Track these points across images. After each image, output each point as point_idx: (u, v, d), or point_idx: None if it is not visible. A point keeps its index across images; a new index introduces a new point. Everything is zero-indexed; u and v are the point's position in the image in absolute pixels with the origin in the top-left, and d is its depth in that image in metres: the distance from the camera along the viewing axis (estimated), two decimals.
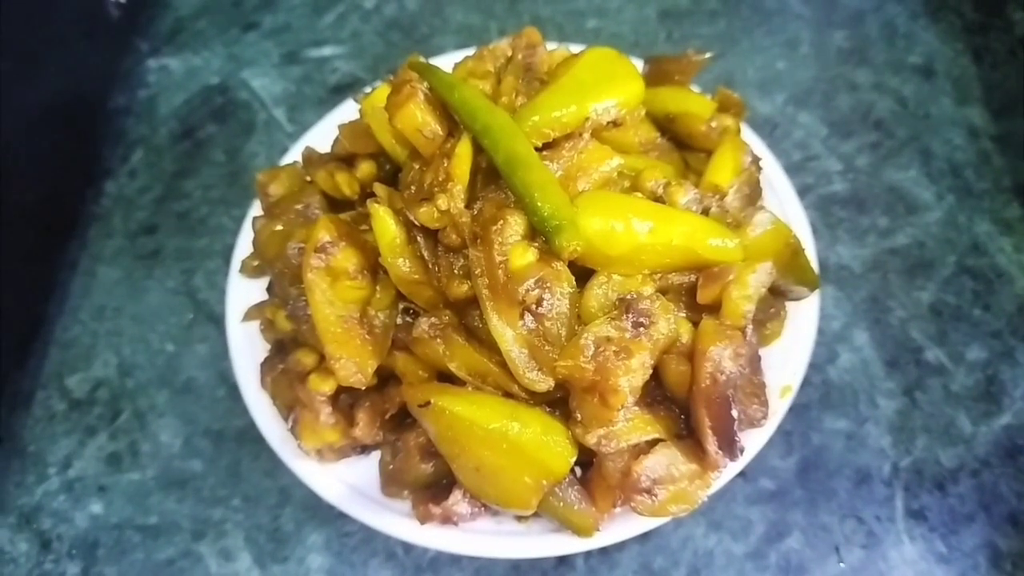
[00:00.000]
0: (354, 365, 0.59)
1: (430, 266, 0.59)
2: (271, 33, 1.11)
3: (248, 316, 0.71)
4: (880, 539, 0.69)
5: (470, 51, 0.75)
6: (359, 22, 1.11)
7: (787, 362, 0.67)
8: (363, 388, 0.60)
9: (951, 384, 0.77)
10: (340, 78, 1.05)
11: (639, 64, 0.78)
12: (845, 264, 0.84)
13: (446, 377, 0.60)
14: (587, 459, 0.59)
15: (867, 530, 0.69)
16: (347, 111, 0.83)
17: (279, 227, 0.69)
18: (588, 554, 0.69)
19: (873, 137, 0.94)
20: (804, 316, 0.69)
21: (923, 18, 1.05)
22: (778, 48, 1.04)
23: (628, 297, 0.56)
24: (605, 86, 0.62)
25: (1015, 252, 0.84)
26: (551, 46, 0.72)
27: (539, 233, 0.55)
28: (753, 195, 0.68)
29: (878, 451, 0.73)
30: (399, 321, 0.63)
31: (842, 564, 0.68)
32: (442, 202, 0.57)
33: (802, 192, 0.85)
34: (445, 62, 0.73)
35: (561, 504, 0.57)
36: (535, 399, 0.57)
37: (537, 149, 0.59)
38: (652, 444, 0.57)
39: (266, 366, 0.67)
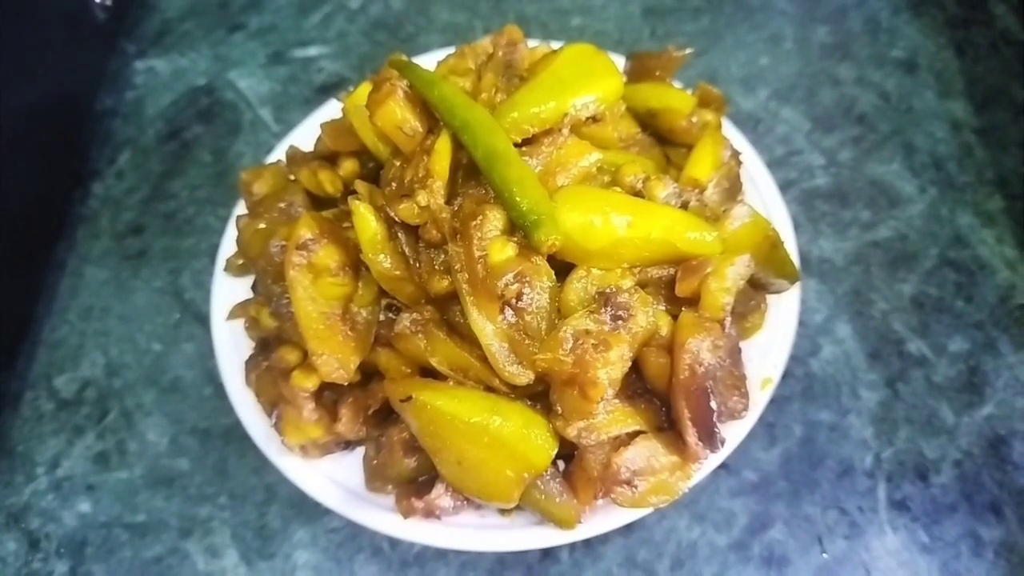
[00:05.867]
0: (336, 361, 0.59)
1: (411, 262, 0.60)
2: (257, 34, 1.11)
3: (233, 314, 0.71)
4: (863, 529, 0.69)
5: (454, 50, 0.75)
6: (345, 22, 1.11)
7: (768, 354, 0.67)
8: (346, 384, 0.60)
9: (933, 375, 0.77)
10: (326, 78, 1.05)
11: (621, 61, 0.79)
12: (827, 257, 0.85)
13: (428, 372, 0.61)
14: (569, 452, 0.59)
15: (850, 521, 0.70)
16: (332, 110, 0.83)
17: (262, 225, 0.69)
18: (572, 547, 0.69)
19: (856, 131, 0.95)
20: (785, 309, 0.69)
21: (905, 12, 1.06)
22: (761, 44, 1.04)
23: (607, 291, 0.56)
24: (584, 82, 0.63)
25: (997, 244, 0.85)
26: (533, 43, 0.73)
27: (518, 228, 0.56)
28: (733, 189, 0.68)
29: (860, 442, 0.74)
30: (381, 317, 0.63)
31: (825, 555, 0.68)
32: (422, 198, 0.58)
33: (785, 187, 0.87)
34: (429, 61, 0.74)
35: (543, 497, 0.58)
36: (516, 392, 0.58)
37: (516, 145, 0.59)
38: (633, 436, 0.58)
39: (250, 363, 0.67)
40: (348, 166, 0.69)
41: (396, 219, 0.59)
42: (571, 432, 0.55)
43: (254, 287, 0.71)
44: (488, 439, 0.56)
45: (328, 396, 0.63)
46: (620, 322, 0.55)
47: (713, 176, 0.67)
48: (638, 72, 0.78)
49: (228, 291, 0.73)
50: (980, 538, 0.69)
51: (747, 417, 0.62)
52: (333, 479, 0.64)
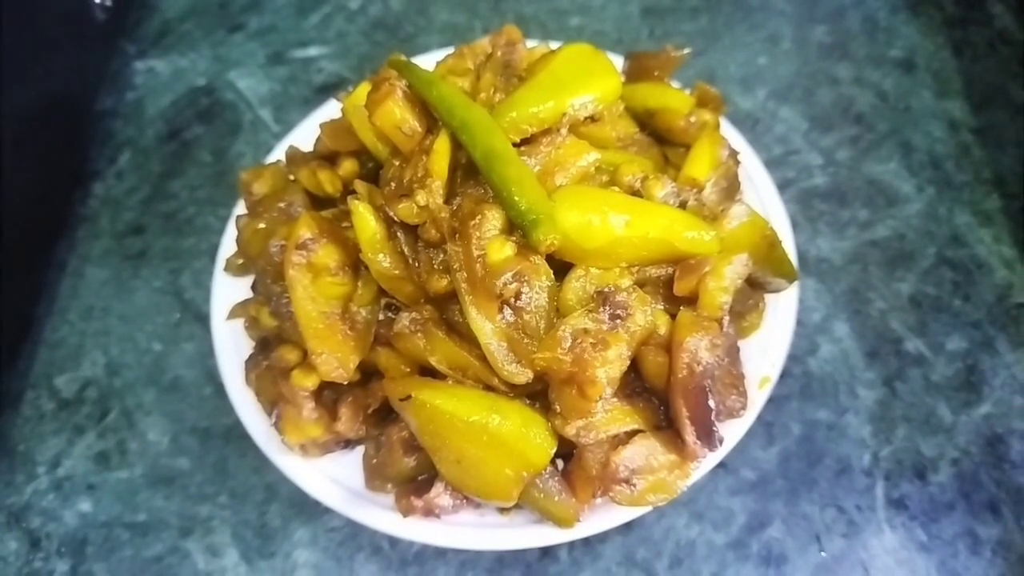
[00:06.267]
0: (336, 360, 0.60)
1: (410, 261, 0.60)
2: (257, 34, 1.11)
3: (233, 314, 0.72)
4: (861, 528, 0.70)
5: (453, 50, 0.75)
6: (344, 22, 1.12)
7: (766, 353, 0.67)
8: (345, 383, 0.61)
9: (931, 374, 0.77)
10: (326, 78, 1.06)
11: (619, 61, 0.79)
12: (825, 256, 0.85)
13: (428, 371, 0.61)
14: (567, 451, 0.59)
15: (848, 519, 0.70)
16: (331, 110, 0.83)
17: (262, 225, 0.69)
18: (571, 546, 0.69)
19: (854, 131, 0.95)
20: (783, 308, 0.69)
21: (903, 12, 1.06)
22: (760, 44, 1.04)
23: (605, 290, 0.57)
24: (582, 82, 0.63)
25: (994, 243, 0.85)
26: (531, 43, 0.73)
27: (517, 227, 0.56)
28: (731, 189, 0.68)
29: (858, 441, 0.74)
30: (381, 316, 0.63)
31: (823, 553, 0.69)
32: (421, 198, 0.58)
33: (783, 186, 0.87)
34: (428, 61, 0.74)
35: (542, 495, 0.58)
36: (515, 391, 0.58)
37: (515, 144, 0.60)
38: (631, 435, 0.58)
39: (250, 363, 0.68)
40: (347, 166, 0.69)
41: (395, 219, 0.59)
42: (570, 431, 0.56)
43: (254, 287, 0.71)
44: (487, 438, 0.56)
45: (328, 395, 0.63)
46: (618, 321, 0.56)
47: (711, 175, 0.67)
48: (636, 72, 0.78)
49: (228, 291, 0.74)
50: (978, 536, 0.69)
51: (745, 416, 0.62)
52: (333, 478, 0.64)
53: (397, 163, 0.63)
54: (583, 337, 0.54)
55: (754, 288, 0.68)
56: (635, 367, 0.59)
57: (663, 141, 0.73)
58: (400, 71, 0.63)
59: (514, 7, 1.11)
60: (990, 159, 0.91)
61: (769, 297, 0.69)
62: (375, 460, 0.63)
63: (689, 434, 0.55)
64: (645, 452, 0.58)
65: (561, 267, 0.59)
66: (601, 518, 0.60)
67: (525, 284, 0.56)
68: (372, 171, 0.68)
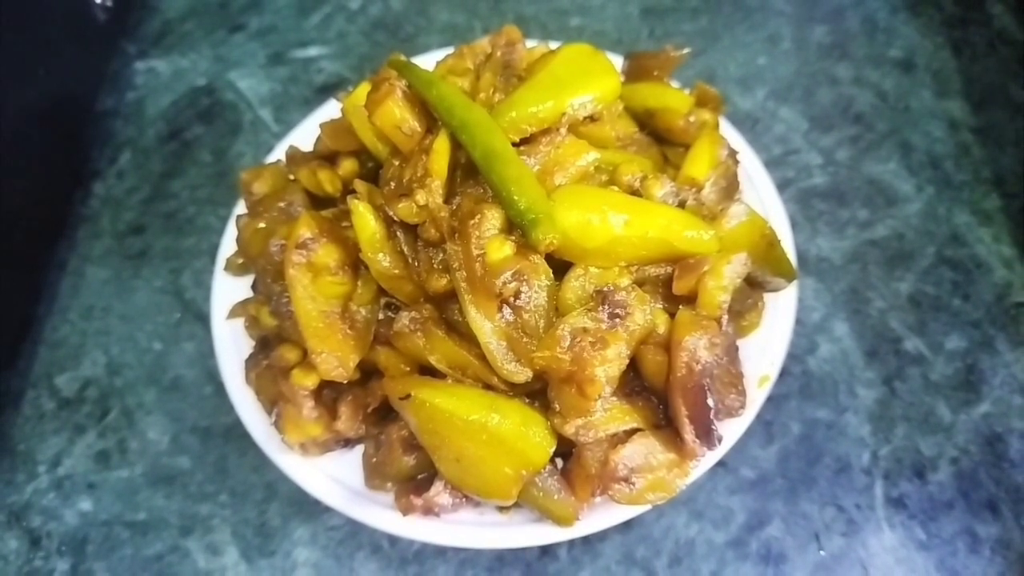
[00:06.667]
0: (336, 359, 0.60)
1: (410, 261, 0.60)
2: (257, 34, 1.12)
3: (233, 313, 0.72)
4: (860, 527, 0.70)
5: (453, 50, 0.76)
6: (344, 22, 1.12)
7: (765, 352, 0.67)
8: (345, 382, 0.61)
9: (930, 373, 0.78)
10: (326, 78, 1.06)
11: (619, 60, 0.79)
12: (825, 256, 0.85)
13: (427, 370, 0.61)
14: (567, 450, 0.59)
15: (847, 518, 0.70)
16: (331, 110, 0.84)
17: (262, 225, 0.69)
18: (571, 544, 0.69)
19: (853, 130, 0.95)
20: (782, 307, 0.69)
21: (903, 12, 1.06)
22: (759, 44, 1.05)
23: (604, 289, 0.57)
24: (581, 82, 0.63)
25: (994, 242, 0.85)
26: (531, 43, 0.73)
27: (516, 227, 0.56)
28: (730, 188, 0.68)
29: (858, 440, 0.74)
30: (380, 316, 0.63)
31: (822, 552, 0.69)
32: (420, 197, 0.58)
33: (783, 186, 0.87)
34: (428, 61, 0.74)
35: (541, 494, 0.58)
36: (514, 390, 0.58)
37: (514, 144, 0.60)
38: (630, 434, 0.58)
39: (251, 362, 0.68)
40: (347, 166, 0.69)
41: (395, 218, 0.60)
42: (569, 430, 0.56)
43: (254, 286, 0.72)
44: (487, 436, 0.56)
45: (328, 394, 0.64)
46: (618, 320, 0.56)
47: (710, 175, 0.67)
48: (636, 72, 0.78)
49: (228, 290, 0.74)
50: (977, 535, 0.69)
51: (744, 415, 0.62)
52: (333, 477, 0.65)
53: (397, 163, 0.63)
54: (582, 336, 0.55)
55: (753, 287, 0.68)
56: (634, 366, 0.59)
57: (662, 141, 0.73)
58: (400, 71, 0.63)
59: (514, 7, 1.11)
60: (990, 159, 0.92)
61: (768, 296, 0.69)
62: (375, 459, 0.63)
63: (688, 433, 0.56)
64: (644, 451, 0.58)
65: (560, 266, 0.59)
66: (600, 517, 0.61)
67: (524, 283, 0.56)
68: (372, 171, 0.69)
